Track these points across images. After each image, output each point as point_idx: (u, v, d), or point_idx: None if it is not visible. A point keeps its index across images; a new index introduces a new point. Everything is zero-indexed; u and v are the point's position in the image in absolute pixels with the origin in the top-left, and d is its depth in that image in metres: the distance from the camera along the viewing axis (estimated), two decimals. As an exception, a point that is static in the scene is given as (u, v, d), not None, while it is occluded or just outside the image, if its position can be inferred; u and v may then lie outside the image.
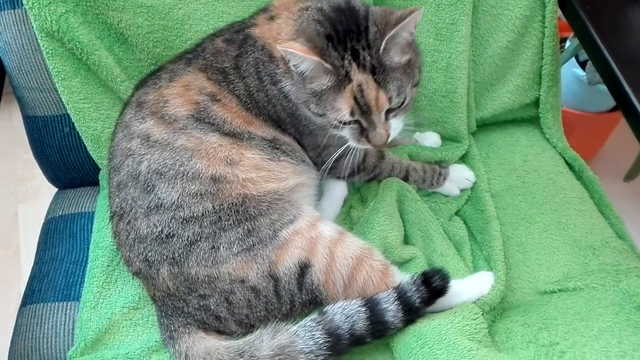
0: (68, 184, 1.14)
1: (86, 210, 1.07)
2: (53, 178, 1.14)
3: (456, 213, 1.04)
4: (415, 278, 0.83)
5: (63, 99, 0.97)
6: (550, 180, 1.04)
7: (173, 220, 0.81)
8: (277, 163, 0.88)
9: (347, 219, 1.01)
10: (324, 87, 0.81)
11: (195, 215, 0.81)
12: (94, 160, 1.05)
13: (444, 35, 1.03)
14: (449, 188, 1.05)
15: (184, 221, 0.81)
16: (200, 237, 0.81)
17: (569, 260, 0.93)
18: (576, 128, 1.64)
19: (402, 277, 0.86)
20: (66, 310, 0.93)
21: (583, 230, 0.97)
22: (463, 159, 1.09)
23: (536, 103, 1.12)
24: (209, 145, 0.84)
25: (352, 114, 0.82)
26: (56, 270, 0.98)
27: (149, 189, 0.83)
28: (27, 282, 0.99)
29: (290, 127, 0.93)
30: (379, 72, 0.80)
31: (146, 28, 0.97)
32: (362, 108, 0.81)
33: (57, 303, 0.94)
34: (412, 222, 0.98)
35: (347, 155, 0.95)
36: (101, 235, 0.98)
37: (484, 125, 1.15)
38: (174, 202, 0.81)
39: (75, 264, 0.98)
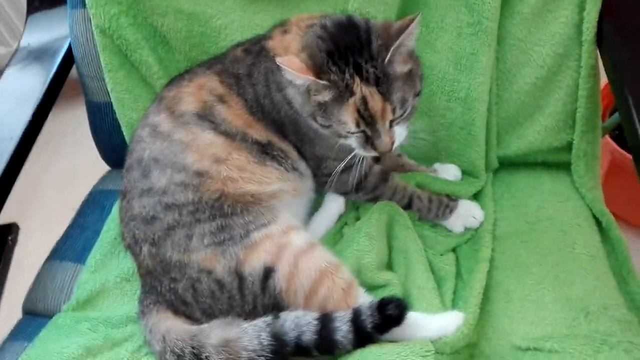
0: (116, 164, 1.28)
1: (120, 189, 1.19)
2: (104, 157, 1.30)
3: (453, 249, 1.00)
4: (372, 303, 0.82)
5: (108, 88, 1.11)
6: (562, 232, 0.96)
7: (158, 205, 0.89)
8: (262, 167, 0.93)
9: (338, 234, 1.02)
10: (326, 99, 0.84)
11: (176, 203, 0.88)
12: (133, 145, 1.17)
13: (463, 65, 1.00)
14: (454, 223, 1.02)
15: (167, 207, 0.88)
16: (178, 224, 0.87)
17: (555, 320, 0.85)
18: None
19: (367, 300, 0.85)
20: (75, 271, 1.06)
21: (582, 290, 0.88)
22: (475, 195, 1.05)
23: (569, 147, 1.04)
24: (202, 142, 0.91)
25: (357, 125, 0.84)
26: (79, 235, 1.12)
27: (146, 173, 0.92)
28: (57, 241, 1.14)
29: (291, 134, 0.97)
30: (382, 82, 0.82)
31: (185, 33, 1.07)
32: (367, 119, 0.84)
33: (70, 263, 1.07)
34: (399, 248, 0.96)
35: (348, 170, 0.97)
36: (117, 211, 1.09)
37: (511, 165, 1.09)
38: (161, 188, 0.89)
39: (95, 233, 1.10)
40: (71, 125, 2.37)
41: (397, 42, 0.81)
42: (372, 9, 1.00)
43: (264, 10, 1.08)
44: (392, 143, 0.86)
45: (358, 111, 0.83)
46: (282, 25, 0.97)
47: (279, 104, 0.95)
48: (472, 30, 0.99)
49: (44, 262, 1.10)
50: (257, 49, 0.97)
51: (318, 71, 0.83)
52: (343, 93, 0.82)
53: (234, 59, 0.99)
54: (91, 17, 1.06)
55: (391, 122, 0.85)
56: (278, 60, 0.83)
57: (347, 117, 0.83)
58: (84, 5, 1.10)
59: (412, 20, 0.81)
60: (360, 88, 0.82)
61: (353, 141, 0.88)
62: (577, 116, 1.01)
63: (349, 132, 0.86)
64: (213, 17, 1.07)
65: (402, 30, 0.81)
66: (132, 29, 1.06)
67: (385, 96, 0.82)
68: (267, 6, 1.08)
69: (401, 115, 0.85)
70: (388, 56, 0.81)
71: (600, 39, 0.95)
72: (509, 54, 1.01)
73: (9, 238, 1.87)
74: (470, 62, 1.00)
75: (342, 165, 0.95)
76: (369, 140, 0.87)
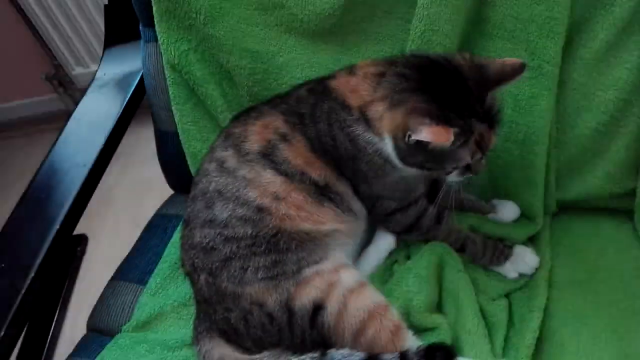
0: (181, 190, 1.35)
1: (182, 214, 1.25)
2: (169, 182, 1.36)
3: (506, 295, 0.98)
4: (420, 348, 0.83)
5: (175, 119, 1.17)
6: (622, 284, 0.92)
7: (218, 236, 0.93)
8: (319, 207, 0.95)
9: (388, 272, 1.03)
10: (454, 147, 0.84)
11: (235, 236, 0.92)
12: (195, 174, 1.22)
13: (522, 108, 0.99)
14: (508, 270, 1.00)
15: (226, 239, 0.92)
16: (235, 256, 0.91)
17: (611, 377, 0.82)
18: None
19: (414, 344, 0.85)
20: (137, 292, 1.11)
21: (641, 347, 0.84)
22: (531, 239, 1.03)
23: (633, 195, 1.00)
24: (264, 180, 0.94)
25: (472, 157, 0.87)
26: (142, 257, 1.18)
27: (209, 205, 0.96)
28: (121, 262, 1.20)
29: (349, 172, 0.99)
30: (490, 118, 0.86)
31: (248, 70, 1.11)
32: (481, 151, 0.87)
33: (132, 284, 1.13)
34: (449, 291, 0.95)
35: (404, 210, 0.98)
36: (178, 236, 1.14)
37: (571, 209, 1.06)
38: (223, 220, 0.93)
39: (157, 256, 1.16)
40: (144, 141, 2.49)
41: (498, 88, 0.85)
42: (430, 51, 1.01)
43: (323, 49, 1.11)
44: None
45: (477, 145, 0.86)
46: (348, 68, 1.00)
47: (339, 142, 0.96)
48: (532, 74, 0.97)
49: (108, 281, 1.17)
50: (320, 89, 1.00)
51: (447, 124, 0.82)
52: (468, 136, 0.85)
53: (298, 99, 1.01)
54: (162, 52, 1.12)
55: None
56: (431, 141, 0.82)
57: (467, 154, 0.86)
58: (156, 39, 1.17)
59: (520, 67, 0.84)
60: (477, 127, 0.84)
61: (455, 172, 0.91)
62: (642, 164, 0.98)
63: (457, 166, 0.89)
64: (276, 54, 1.11)
65: (504, 78, 0.85)
66: (199, 64, 1.12)
67: (493, 128, 0.86)
68: (327, 45, 1.11)
69: None
70: (488, 99, 0.85)
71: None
72: (570, 98, 0.99)
73: (78, 249, 1.99)
74: (530, 105, 0.99)
75: (395, 204, 0.97)
76: (468, 167, 0.90)
